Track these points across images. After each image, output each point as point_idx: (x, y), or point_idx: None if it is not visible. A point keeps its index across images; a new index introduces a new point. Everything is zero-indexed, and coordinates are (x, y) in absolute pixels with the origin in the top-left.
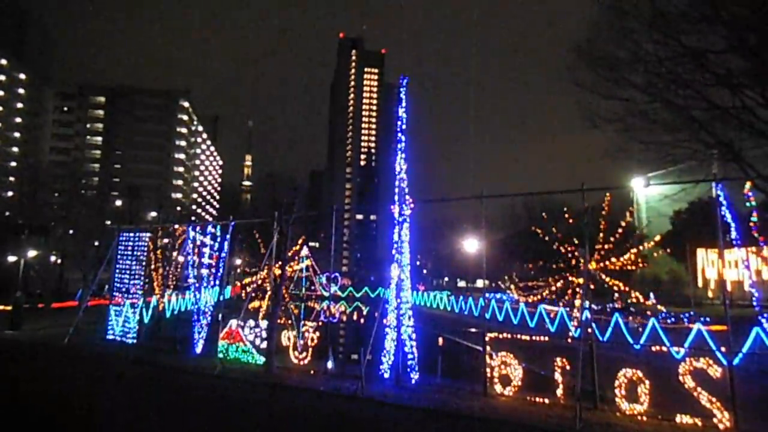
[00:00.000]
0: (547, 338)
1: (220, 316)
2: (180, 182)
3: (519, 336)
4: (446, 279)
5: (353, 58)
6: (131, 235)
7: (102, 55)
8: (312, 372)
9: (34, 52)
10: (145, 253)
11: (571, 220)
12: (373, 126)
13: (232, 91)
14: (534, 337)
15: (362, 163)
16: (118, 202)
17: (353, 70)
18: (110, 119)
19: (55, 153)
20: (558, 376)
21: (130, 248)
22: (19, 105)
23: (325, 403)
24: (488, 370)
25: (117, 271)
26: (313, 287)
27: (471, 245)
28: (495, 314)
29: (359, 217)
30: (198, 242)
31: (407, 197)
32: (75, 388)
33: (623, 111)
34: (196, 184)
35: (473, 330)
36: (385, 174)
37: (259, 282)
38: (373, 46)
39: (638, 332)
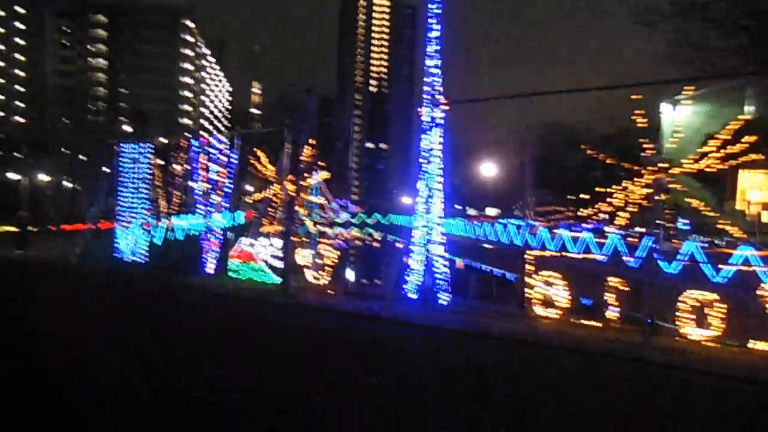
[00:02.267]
0: (601, 257)
1: (229, 235)
2: (188, 107)
3: (566, 254)
4: (457, 206)
5: None
6: (133, 146)
7: None
8: (330, 292)
9: None
10: (150, 169)
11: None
12: (385, 51)
13: (238, 13)
14: (586, 257)
15: (373, 89)
16: (127, 128)
17: None
18: (113, 40)
19: (59, 76)
20: (610, 299)
21: (132, 163)
22: (20, 25)
23: (346, 324)
24: (527, 290)
25: (120, 188)
26: (325, 214)
27: (488, 170)
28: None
29: (369, 145)
30: (206, 158)
31: (440, 97)
32: (81, 305)
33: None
34: (204, 110)
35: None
36: (396, 102)
37: (271, 197)
38: None
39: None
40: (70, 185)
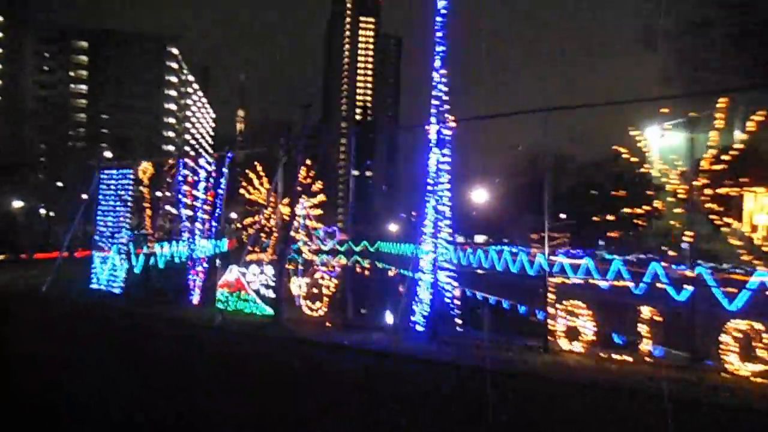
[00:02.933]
0: (630, 283)
1: (218, 261)
2: (171, 134)
3: (590, 281)
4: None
5: (348, 6)
6: (114, 173)
7: None
8: (328, 324)
9: None
10: (131, 193)
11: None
12: (370, 79)
13: (222, 41)
14: (614, 283)
15: (358, 117)
16: (108, 154)
17: (348, 20)
18: (95, 66)
19: (37, 101)
20: (643, 330)
21: (112, 188)
22: None
23: (351, 359)
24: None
25: (100, 214)
26: (309, 241)
27: (479, 196)
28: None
29: (355, 173)
30: (191, 179)
31: (446, 115)
32: (53, 342)
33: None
34: (188, 137)
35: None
36: (381, 130)
37: (263, 221)
38: None
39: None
40: (44, 212)
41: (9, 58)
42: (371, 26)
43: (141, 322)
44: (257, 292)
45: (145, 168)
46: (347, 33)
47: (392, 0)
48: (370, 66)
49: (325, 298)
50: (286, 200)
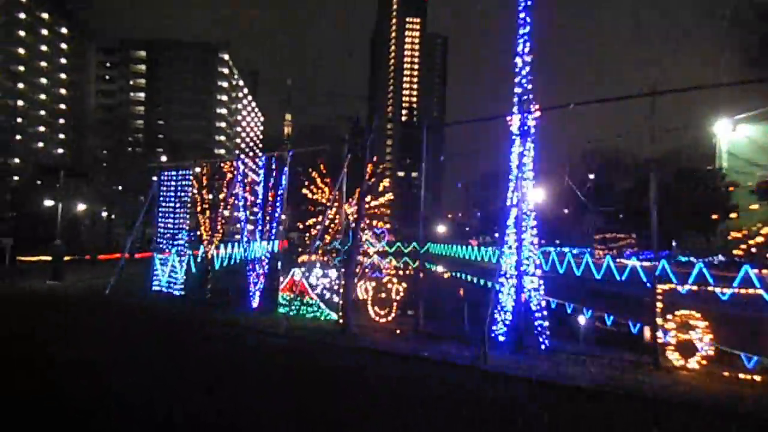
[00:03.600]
0: (761, 291)
1: (279, 264)
2: (223, 138)
3: (712, 288)
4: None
5: (394, 6)
6: (174, 173)
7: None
8: (398, 332)
9: (74, 4)
10: (189, 194)
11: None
12: (415, 80)
13: (271, 47)
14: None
15: (404, 118)
16: (164, 158)
17: (394, 20)
18: (152, 74)
19: (100, 111)
20: None
21: (172, 189)
22: (63, 60)
23: (435, 375)
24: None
25: (160, 215)
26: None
27: (536, 195)
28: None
29: (401, 174)
30: (249, 179)
31: (532, 103)
32: (116, 347)
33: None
34: (238, 140)
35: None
36: (438, 129)
37: (327, 222)
38: None
39: None
40: (106, 215)
41: (73, 69)
42: (417, 26)
43: (204, 328)
44: (321, 295)
45: (203, 169)
46: (393, 34)
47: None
48: (416, 66)
49: (394, 304)
50: (350, 199)
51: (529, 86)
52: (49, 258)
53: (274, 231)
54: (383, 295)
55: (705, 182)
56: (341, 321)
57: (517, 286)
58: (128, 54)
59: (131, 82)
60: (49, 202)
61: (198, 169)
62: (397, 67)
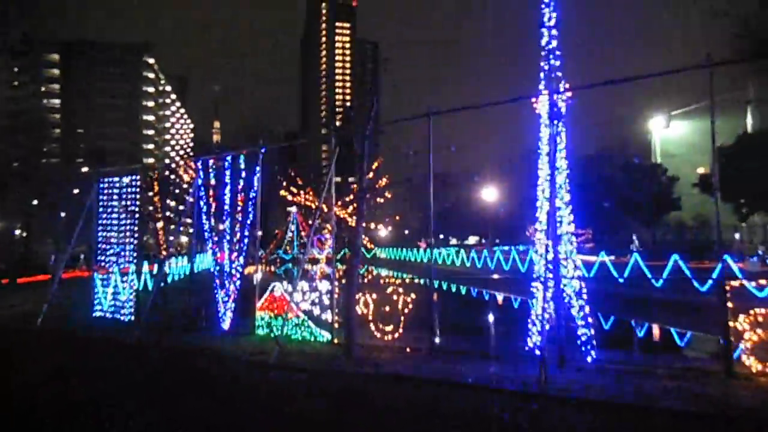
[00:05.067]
0: None
1: (256, 277)
2: (151, 146)
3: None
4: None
5: (323, 11)
6: (116, 180)
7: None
8: (408, 350)
9: None
10: (136, 203)
11: None
12: (348, 84)
13: (197, 51)
14: None
15: (338, 123)
16: (85, 168)
17: (324, 24)
18: (67, 78)
19: (7, 118)
20: None
21: (115, 198)
22: None
23: (491, 405)
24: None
25: (100, 228)
26: (303, 249)
27: (490, 194)
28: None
29: (337, 179)
30: (211, 182)
31: (561, 82)
32: (61, 392)
33: None
34: (167, 149)
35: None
36: (361, 135)
37: (313, 228)
38: None
39: None
40: (19, 232)
41: None
42: (347, 31)
43: (170, 359)
44: (308, 313)
45: (155, 174)
46: (323, 39)
47: (365, 5)
48: (348, 71)
49: (402, 318)
50: (340, 200)
51: (557, 62)
52: None
53: (245, 240)
54: (387, 308)
55: (650, 176)
56: (337, 341)
57: (554, 290)
58: (39, 57)
59: (43, 88)
60: None
61: (150, 173)
62: (329, 71)
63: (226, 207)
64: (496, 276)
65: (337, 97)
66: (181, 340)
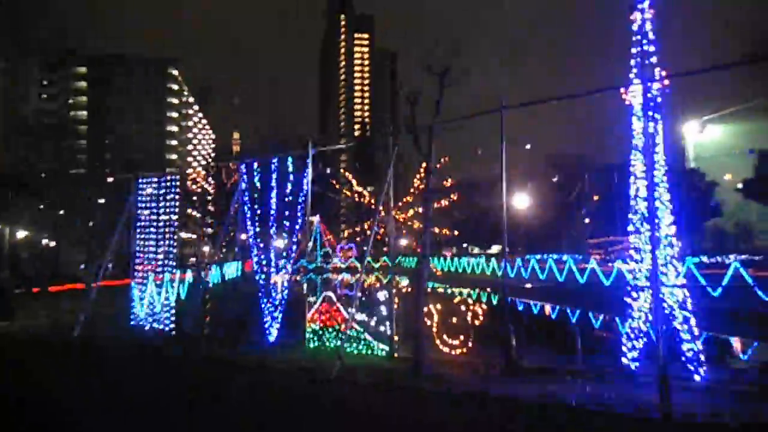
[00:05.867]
0: None
1: (305, 287)
2: (174, 156)
3: None
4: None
5: (342, 22)
6: (155, 182)
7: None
8: (479, 369)
9: (10, 17)
10: (174, 207)
11: None
12: (367, 94)
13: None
14: None
15: (356, 133)
16: (110, 179)
17: (343, 36)
18: (94, 91)
19: (37, 129)
20: None
21: (153, 202)
22: None
23: None
24: None
25: (138, 233)
26: (328, 259)
27: (521, 201)
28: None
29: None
30: (257, 185)
31: (656, 69)
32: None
33: None
34: (190, 159)
35: None
36: (379, 145)
37: (371, 232)
38: (362, 9)
39: None
40: (46, 241)
41: (9, 86)
42: (366, 41)
43: (224, 377)
44: (364, 324)
45: (196, 175)
46: (342, 49)
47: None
48: (366, 81)
49: (471, 332)
50: (399, 203)
51: (651, 47)
52: None
53: (294, 248)
54: (454, 320)
55: (688, 182)
56: (396, 356)
57: (653, 300)
58: (68, 70)
59: (71, 101)
60: None
61: (190, 175)
62: (348, 81)
63: (272, 211)
64: (528, 285)
65: (356, 107)
66: (231, 354)
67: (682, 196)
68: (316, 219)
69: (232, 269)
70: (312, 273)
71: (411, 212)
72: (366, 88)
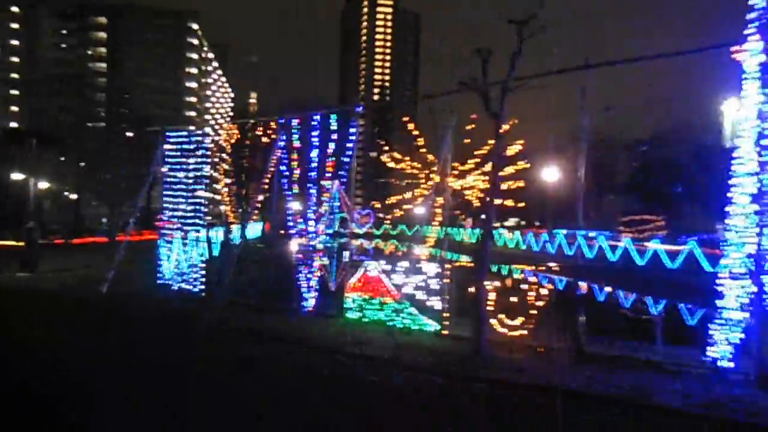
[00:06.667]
0: None
1: (345, 254)
2: (193, 113)
3: None
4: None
5: None
6: (184, 136)
7: None
8: (541, 350)
9: None
10: (207, 160)
11: None
12: (388, 58)
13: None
14: None
15: (375, 98)
16: (129, 134)
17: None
18: (113, 42)
19: (55, 81)
20: None
21: (183, 156)
22: (15, 25)
23: None
24: None
25: (167, 189)
26: (345, 224)
27: (551, 174)
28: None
29: (373, 154)
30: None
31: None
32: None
33: None
34: (208, 117)
35: None
36: (398, 110)
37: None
38: None
39: None
40: (66, 194)
41: (27, 35)
42: (389, 1)
43: (265, 350)
44: (409, 298)
45: (230, 131)
46: (365, 9)
47: None
48: (388, 44)
49: (533, 312)
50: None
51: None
52: (12, 243)
53: (334, 212)
54: (514, 299)
55: (725, 161)
56: (446, 333)
57: (757, 290)
58: (87, 20)
59: (90, 52)
60: (17, 176)
61: (225, 131)
62: (369, 44)
63: (313, 173)
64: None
65: (376, 71)
66: (267, 323)
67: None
68: (335, 183)
69: (254, 230)
70: (331, 238)
71: (471, 179)
72: (387, 50)
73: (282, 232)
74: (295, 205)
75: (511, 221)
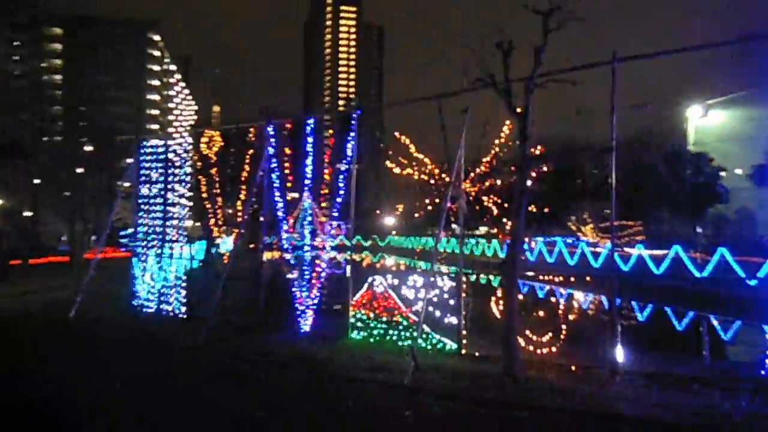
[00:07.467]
0: None
1: (348, 269)
2: (155, 126)
3: None
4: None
5: None
6: (161, 146)
7: None
8: (574, 368)
9: None
10: (186, 174)
11: None
12: (352, 70)
13: (201, 33)
14: None
15: (340, 109)
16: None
17: (329, 8)
18: (70, 54)
19: (7, 94)
20: None
21: (161, 167)
22: None
23: None
24: None
25: (142, 202)
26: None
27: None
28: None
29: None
30: (288, 150)
31: None
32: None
33: None
34: (171, 130)
35: None
36: (365, 122)
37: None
38: None
39: None
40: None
41: None
42: (352, 15)
43: (267, 376)
44: (424, 315)
45: (211, 138)
46: (328, 23)
47: None
48: (352, 56)
49: (563, 328)
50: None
51: None
52: None
53: (337, 222)
54: (541, 313)
55: (694, 166)
56: (465, 352)
57: None
58: (41, 31)
59: (45, 64)
60: None
61: (205, 138)
62: (333, 56)
63: (308, 177)
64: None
65: (340, 82)
66: (261, 345)
67: (689, 180)
68: (306, 194)
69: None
70: (299, 250)
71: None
72: (352, 62)
73: (251, 245)
74: (270, 216)
75: (483, 229)
